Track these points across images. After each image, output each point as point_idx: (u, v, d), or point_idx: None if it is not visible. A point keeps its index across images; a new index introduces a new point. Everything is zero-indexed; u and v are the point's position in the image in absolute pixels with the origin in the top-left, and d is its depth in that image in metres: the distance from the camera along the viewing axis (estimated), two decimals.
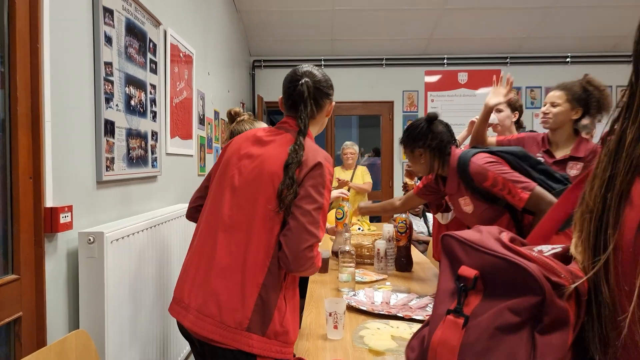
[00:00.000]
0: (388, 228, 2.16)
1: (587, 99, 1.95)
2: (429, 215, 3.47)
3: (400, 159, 5.30)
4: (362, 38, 4.89)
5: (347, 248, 1.81)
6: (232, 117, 1.86)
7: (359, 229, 3.15)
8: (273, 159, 1.24)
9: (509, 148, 1.65)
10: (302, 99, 1.30)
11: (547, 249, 0.52)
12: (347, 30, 4.74)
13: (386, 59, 5.21)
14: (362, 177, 4.34)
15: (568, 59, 5.11)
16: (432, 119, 1.69)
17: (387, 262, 2.11)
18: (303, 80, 1.31)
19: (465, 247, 0.52)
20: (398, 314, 1.52)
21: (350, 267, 1.83)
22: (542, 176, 1.57)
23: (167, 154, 2.28)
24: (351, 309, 1.59)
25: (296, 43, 4.98)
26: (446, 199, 1.94)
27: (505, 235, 0.53)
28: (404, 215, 2.14)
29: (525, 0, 4.23)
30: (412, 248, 2.38)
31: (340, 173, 4.31)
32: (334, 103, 1.43)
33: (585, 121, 4.01)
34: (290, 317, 1.22)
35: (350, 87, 5.27)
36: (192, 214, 1.45)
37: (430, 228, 3.42)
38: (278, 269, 1.20)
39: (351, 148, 4.29)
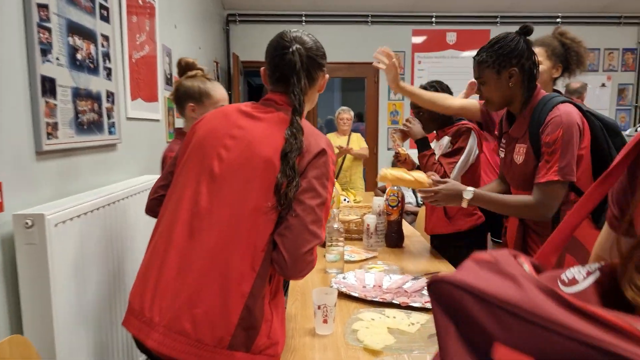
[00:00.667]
0: (378, 201, 1.97)
1: (565, 54, 1.77)
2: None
3: (385, 125, 5.08)
4: None
5: (335, 226, 1.61)
6: (183, 68, 1.56)
7: (345, 200, 2.97)
8: (265, 143, 1.00)
9: (601, 114, 1.39)
10: (294, 70, 1.06)
11: (582, 275, 0.34)
12: None
13: (372, 16, 4.88)
14: (359, 143, 4.15)
15: (559, 19, 4.89)
16: (528, 31, 1.37)
17: (378, 238, 1.93)
18: (294, 47, 1.07)
19: (496, 311, 0.28)
20: (394, 301, 1.35)
21: (339, 246, 1.64)
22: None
23: (128, 119, 1.99)
24: (342, 295, 1.41)
25: None
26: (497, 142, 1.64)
27: (530, 269, 0.32)
28: (395, 188, 1.94)
29: None
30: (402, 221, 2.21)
31: (335, 139, 4.08)
32: (327, 76, 1.17)
33: (575, 84, 3.88)
34: (278, 327, 1.01)
35: (333, 46, 4.92)
36: (153, 206, 1.17)
37: (419, 197, 3.25)
38: (267, 274, 0.98)
39: (347, 113, 4.09)
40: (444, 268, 1.71)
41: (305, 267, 0.98)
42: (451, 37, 4.95)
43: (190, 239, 0.98)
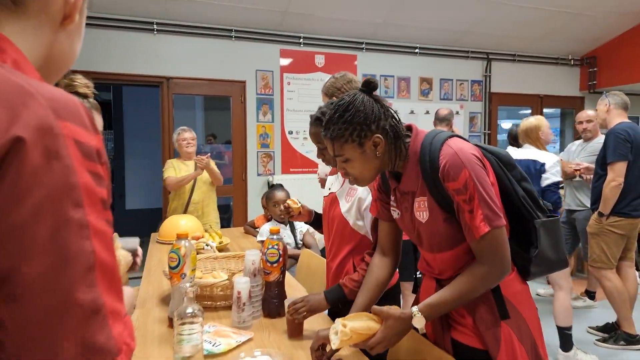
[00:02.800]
0: (252, 257, 1.49)
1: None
2: (298, 223, 2.85)
3: (254, 149, 4.63)
4: (206, 1, 4.01)
5: (189, 310, 1.08)
6: None
7: (206, 246, 2.39)
8: None
9: (492, 147, 1.19)
10: None
11: None
12: None
13: (236, 31, 4.44)
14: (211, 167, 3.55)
15: (417, 50, 5.12)
16: (374, 87, 1.14)
17: (253, 308, 1.44)
18: None
19: None
20: None
21: (194, 332, 1.11)
22: (527, 197, 1.15)
23: None
24: None
25: None
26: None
27: None
28: (275, 237, 1.48)
29: None
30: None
31: (180, 166, 3.43)
32: None
33: (443, 111, 3.94)
34: None
35: (192, 60, 4.35)
36: None
37: (299, 238, 2.83)
38: None
39: (190, 132, 3.47)
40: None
41: None
42: (319, 60, 4.80)
43: None
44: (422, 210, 1.13)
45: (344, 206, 1.53)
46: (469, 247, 1.09)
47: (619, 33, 5.28)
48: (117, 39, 4.10)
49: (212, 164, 3.46)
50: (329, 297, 1.38)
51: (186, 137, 3.42)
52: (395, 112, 1.16)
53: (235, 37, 4.45)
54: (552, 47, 5.49)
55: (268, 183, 4.60)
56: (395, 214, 1.25)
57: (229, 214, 5.19)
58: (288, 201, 1.73)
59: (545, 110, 5.79)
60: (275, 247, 1.46)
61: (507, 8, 4.54)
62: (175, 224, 2.82)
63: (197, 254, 2.34)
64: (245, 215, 4.63)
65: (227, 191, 4.57)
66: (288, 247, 2.65)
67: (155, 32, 4.19)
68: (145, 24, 4.15)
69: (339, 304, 1.40)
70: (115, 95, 6.73)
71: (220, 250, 2.51)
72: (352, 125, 1.08)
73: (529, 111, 5.83)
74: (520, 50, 5.49)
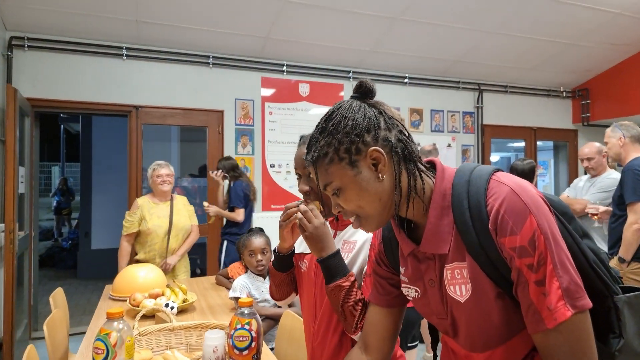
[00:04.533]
0: (214, 340, 1.11)
1: None
2: None
3: None
4: (181, 25, 3.74)
5: None
6: None
7: (169, 306, 2.00)
8: None
9: (545, 193, 0.82)
10: None
11: None
12: (159, 10, 3.53)
13: (214, 57, 4.16)
14: (186, 209, 3.15)
15: (406, 80, 4.92)
16: (367, 91, 0.83)
17: None
18: None
19: None
20: None
21: None
22: (599, 262, 0.79)
23: None
24: None
25: (84, 18, 3.53)
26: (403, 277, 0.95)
27: None
28: (246, 313, 1.11)
29: (372, 6, 3.75)
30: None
31: (152, 207, 3.01)
32: None
33: (428, 146, 3.70)
34: None
35: (165, 88, 4.04)
36: None
37: None
38: None
39: (166, 168, 3.06)
40: None
41: None
42: (304, 89, 4.55)
43: None
44: (459, 284, 0.77)
45: None
46: (528, 339, 0.74)
47: (612, 65, 5.19)
48: (84, 64, 3.77)
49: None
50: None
51: (162, 173, 3.01)
52: (402, 124, 0.82)
53: (213, 63, 4.17)
54: (544, 78, 5.37)
55: None
56: (412, 292, 0.88)
57: (202, 254, 4.76)
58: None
59: (538, 142, 5.63)
60: (246, 327, 1.09)
61: (498, 37, 4.40)
62: (132, 276, 2.42)
63: (154, 316, 1.96)
64: (217, 266, 4.21)
65: (204, 231, 4.15)
66: (266, 304, 2.25)
67: (125, 58, 3.88)
68: (114, 49, 3.84)
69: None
70: (84, 126, 6.34)
71: (183, 310, 2.15)
72: (336, 136, 0.78)
73: (522, 144, 5.65)
74: (512, 81, 5.36)
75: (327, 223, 1.22)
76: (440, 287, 0.81)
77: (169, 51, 4.02)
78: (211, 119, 4.23)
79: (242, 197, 3.46)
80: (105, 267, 5.56)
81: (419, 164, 0.81)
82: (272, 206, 4.39)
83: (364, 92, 0.83)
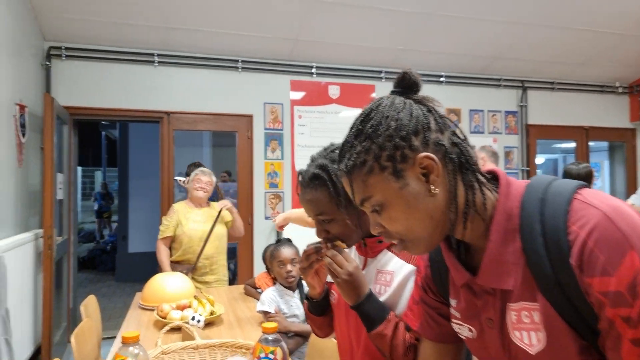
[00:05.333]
0: None
1: None
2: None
3: (262, 189, 4.34)
4: (209, 30, 3.86)
5: None
6: None
7: (194, 319, 2.06)
8: None
9: None
10: None
11: None
12: (187, 16, 3.66)
13: (243, 62, 4.26)
14: (224, 217, 3.25)
15: (442, 79, 4.82)
16: (412, 84, 0.71)
17: None
18: None
19: None
20: None
21: None
22: None
23: None
24: None
25: (117, 27, 3.72)
26: (454, 313, 0.81)
27: None
28: (271, 340, 1.11)
29: (406, 3, 3.71)
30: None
31: (187, 215, 3.12)
32: None
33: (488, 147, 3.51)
34: None
35: (195, 94, 4.18)
36: None
37: None
38: None
39: (208, 176, 3.19)
40: None
41: None
42: (334, 91, 4.56)
43: None
44: (528, 330, 0.64)
45: None
46: None
47: None
48: (118, 72, 3.98)
49: (236, 213, 3.29)
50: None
51: (202, 179, 3.15)
52: (456, 124, 0.71)
53: (242, 68, 4.27)
54: (597, 73, 5.10)
55: (277, 231, 4.29)
56: (465, 330, 0.76)
57: (235, 259, 4.87)
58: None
59: (590, 143, 5.35)
60: (270, 357, 1.10)
61: (543, 30, 4.23)
62: (161, 285, 2.52)
63: (180, 328, 2.01)
64: (251, 264, 4.31)
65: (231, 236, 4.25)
66: (295, 320, 2.23)
67: (156, 64, 4.05)
68: (146, 56, 4.02)
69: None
70: (121, 132, 6.67)
71: (210, 323, 2.20)
72: (377, 141, 0.66)
73: (571, 144, 5.39)
74: (560, 77, 5.12)
75: (354, 250, 1.15)
76: (501, 330, 0.68)
77: (199, 56, 4.15)
78: (240, 123, 4.33)
79: None
80: (141, 271, 5.80)
81: (478, 174, 0.68)
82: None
83: (407, 86, 0.71)
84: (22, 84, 3.25)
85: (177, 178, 3.92)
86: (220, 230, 3.19)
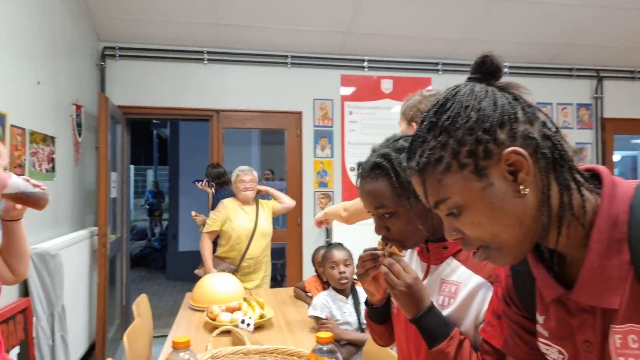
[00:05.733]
0: None
1: None
2: (361, 291, 2.22)
3: (311, 188, 4.31)
4: (259, 25, 3.87)
5: None
6: None
7: (244, 322, 2.04)
8: None
9: None
10: None
11: None
12: (236, 12, 3.68)
13: (292, 57, 4.24)
14: (272, 210, 3.32)
15: (506, 70, 4.55)
16: (494, 69, 0.65)
17: None
18: None
19: None
20: None
21: None
22: None
23: None
24: None
25: (168, 25, 3.81)
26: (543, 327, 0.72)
27: None
28: (325, 349, 1.05)
29: None
30: None
31: (236, 211, 3.16)
32: None
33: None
34: None
35: (244, 91, 4.20)
36: None
37: (363, 314, 2.32)
38: None
39: (249, 174, 3.19)
40: None
41: None
42: (387, 85, 4.45)
43: None
44: (636, 357, 0.58)
45: None
46: None
47: None
48: (169, 70, 4.08)
49: (274, 190, 3.40)
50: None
51: (245, 179, 3.16)
52: (546, 114, 0.64)
53: (291, 63, 4.25)
54: None
55: (327, 230, 4.25)
56: (554, 352, 0.68)
57: (284, 260, 4.88)
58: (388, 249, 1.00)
59: None
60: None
61: (622, 13, 3.89)
62: (211, 286, 2.54)
63: (229, 331, 2.00)
64: (299, 265, 4.29)
65: (280, 237, 4.26)
66: (348, 327, 2.16)
67: (206, 62, 4.11)
68: (196, 54, 4.09)
69: None
70: (172, 131, 6.88)
71: (259, 327, 2.18)
72: (455, 134, 0.60)
73: None
74: None
75: (415, 256, 1.08)
76: (601, 356, 0.61)
77: (248, 53, 4.17)
78: (289, 120, 4.31)
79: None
80: (191, 269, 5.96)
81: (575, 171, 0.61)
82: None
83: (488, 71, 0.64)
84: (78, 84, 3.40)
85: (196, 183, 4.08)
86: (266, 227, 3.18)
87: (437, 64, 4.48)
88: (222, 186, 3.96)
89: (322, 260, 2.36)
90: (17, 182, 1.20)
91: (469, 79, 0.66)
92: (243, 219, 3.14)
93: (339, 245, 2.38)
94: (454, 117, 0.60)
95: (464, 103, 0.61)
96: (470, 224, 0.61)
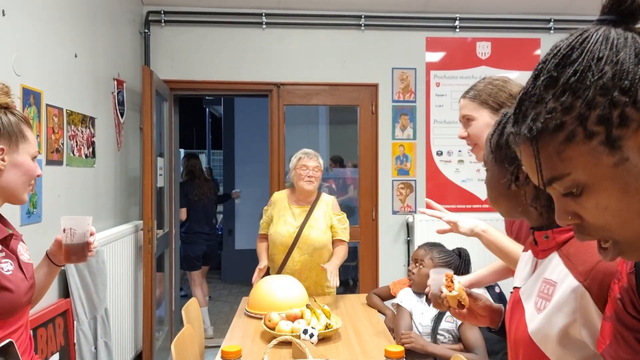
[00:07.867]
0: None
1: None
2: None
3: (389, 176, 4.17)
4: None
5: None
6: None
7: (307, 333, 2.00)
8: None
9: None
10: None
11: None
12: None
13: (366, 17, 4.09)
14: (331, 219, 2.90)
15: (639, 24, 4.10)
16: (631, 8, 0.57)
17: None
18: None
19: None
20: None
21: None
22: None
23: None
24: None
25: None
26: None
27: None
28: None
29: None
30: None
31: (284, 212, 2.87)
32: None
33: None
34: None
35: (308, 60, 4.10)
36: None
37: (451, 326, 2.21)
38: None
39: (315, 159, 2.84)
40: None
41: None
42: (483, 49, 4.26)
43: None
44: None
45: (532, 319, 0.93)
46: None
47: None
48: (221, 38, 4.04)
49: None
50: None
51: (309, 165, 2.80)
52: None
53: (365, 25, 4.11)
54: None
55: (407, 225, 4.09)
56: None
57: (356, 262, 4.75)
58: (457, 287, 1.27)
59: None
60: None
61: None
62: (270, 290, 2.50)
63: (290, 343, 1.93)
64: (375, 269, 4.15)
65: (352, 235, 4.10)
66: (427, 337, 2.25)
67: (264, 26, 4.03)
68: (253, 17, 4.01)
69: None
70: (226, 109, 6.93)
71: (324, 338, 2.17)
72: (582, 94, 0.57)
73: None
74: None
75: (529, 252, 1.08)
76: None
77: (313, 14, 4.06)
78: (363, 95, 4.18)
79: (181, 197, 4.48)
80: (250, 270, 5.95)
81: None
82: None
83: (628, 12, 0.58)
84: (120, 56, 3.41)
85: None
86: (315, 236, 2.78)
87: (548, 20, 4.25)
88: (189, 180, 4.76)
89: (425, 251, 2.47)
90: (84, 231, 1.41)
91: (599, 21, 0.60)
92: (287, 223, 2.81)
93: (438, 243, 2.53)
94: (582, 71, 0.57)
95: (596, 54, 0.57)
96: (594, 208, 0.60)
